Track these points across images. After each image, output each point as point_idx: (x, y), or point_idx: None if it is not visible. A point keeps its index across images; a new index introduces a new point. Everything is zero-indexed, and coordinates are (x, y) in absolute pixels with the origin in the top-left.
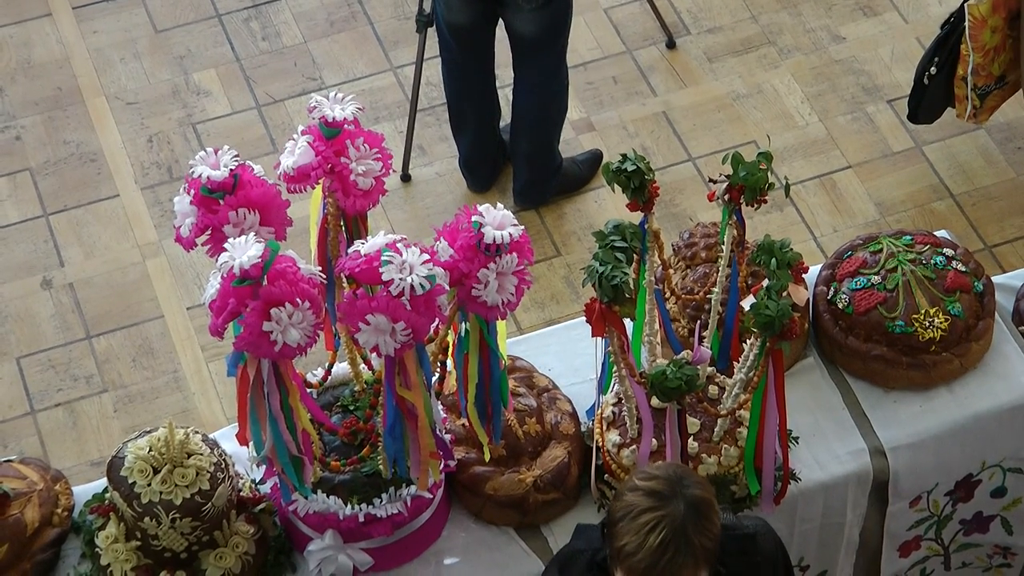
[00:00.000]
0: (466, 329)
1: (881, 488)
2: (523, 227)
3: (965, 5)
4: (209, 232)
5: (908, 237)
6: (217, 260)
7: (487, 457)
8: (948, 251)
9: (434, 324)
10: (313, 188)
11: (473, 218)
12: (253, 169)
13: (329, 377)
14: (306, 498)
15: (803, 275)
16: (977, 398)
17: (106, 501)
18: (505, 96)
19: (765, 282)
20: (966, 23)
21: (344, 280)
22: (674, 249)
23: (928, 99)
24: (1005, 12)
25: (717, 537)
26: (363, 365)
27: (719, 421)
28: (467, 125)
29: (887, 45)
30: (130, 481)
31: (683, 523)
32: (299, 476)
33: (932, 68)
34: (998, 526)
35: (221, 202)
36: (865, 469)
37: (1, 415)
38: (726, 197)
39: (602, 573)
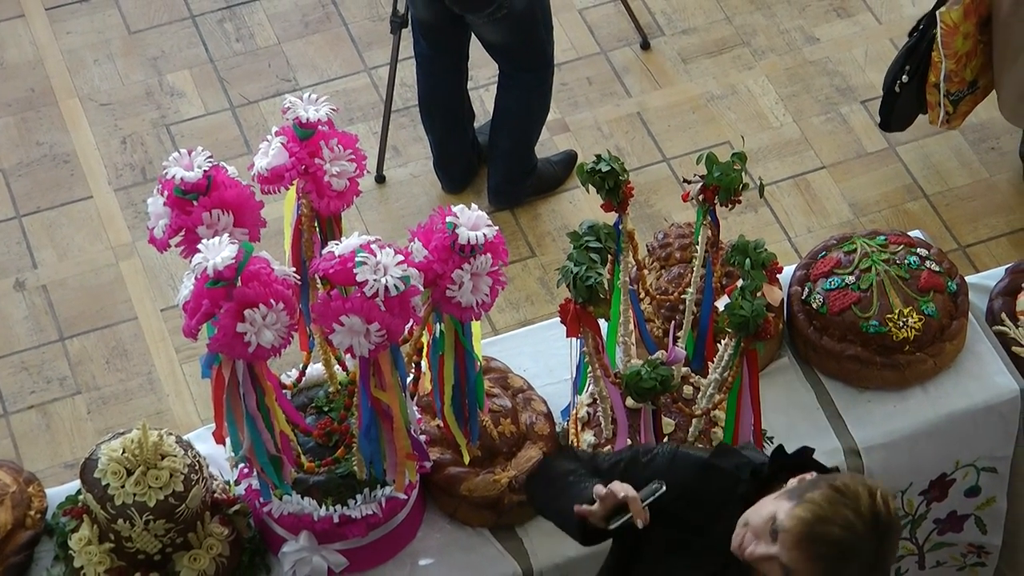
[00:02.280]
0: (441, 330)
1: None
2: (497, 228)
3: (936, 12)
4: (183, 233)
5: (882, 237)
6: (191, 261)
7: (466, 459)
8: (922, 251)
9: (408, 325)
10: (287, 189)
11: (447, 219)
12: (227, 170)
13: (303, 378)
14: (282, 498)
15: (777, 275)
16: (951, 398)
17: (79, 503)
18: (479, 96)
19: (739, 282)
20: (938, 30)
21: (318, 281)
22: (648, 250)
23: (900, 107)
24: (976, 17)
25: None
26: (337, 366)
27: (694, 421)
28: (436, 123)
29: (861, 46)
30: (103, 483)
31: (880, 539)
32: (279, 475)
33: (904, 76)
34: (972, 525)
35: (195, 203)
36: (839, 469)
37: None
38: (700, 197)
39: (744, 502)
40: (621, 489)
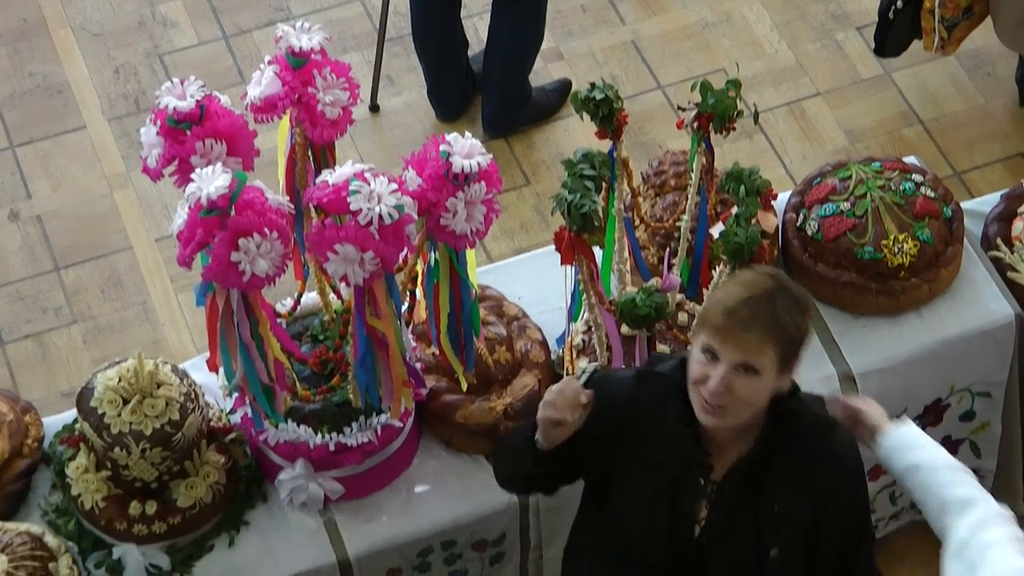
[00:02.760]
0: (435, 259)
1: None
2: (491, 156)
3: None
4: (176, 163)
5: (877, 163)
6: (184, 191)
7: (464, 387)
8: (917, 177)
9: (403, 253)
10: (280, 118)
11: (441, 147)
12: (220, 100)
13: (298, 307)
14: (277, 426)
15: (772, 202)
16: (946, 323)
17: (76, 432)
18: (473, 25)
19: (734, 209)
20: None
21: (312, 210)
22: (643, 177)
23: (894, 33)
24: None
25: (802, 331)
26: (332, 295)
27: (689, 348)
28: (430, 52)
29: None
30: (100, 412)
31: (776, 290)
32: (271, 404)
33: (898, 2)
34: (967, 450)
35: (188, 133)
36: (834, 395)
37: None
38: (695, 125)
39: (680, 397)
40: (550, 392)
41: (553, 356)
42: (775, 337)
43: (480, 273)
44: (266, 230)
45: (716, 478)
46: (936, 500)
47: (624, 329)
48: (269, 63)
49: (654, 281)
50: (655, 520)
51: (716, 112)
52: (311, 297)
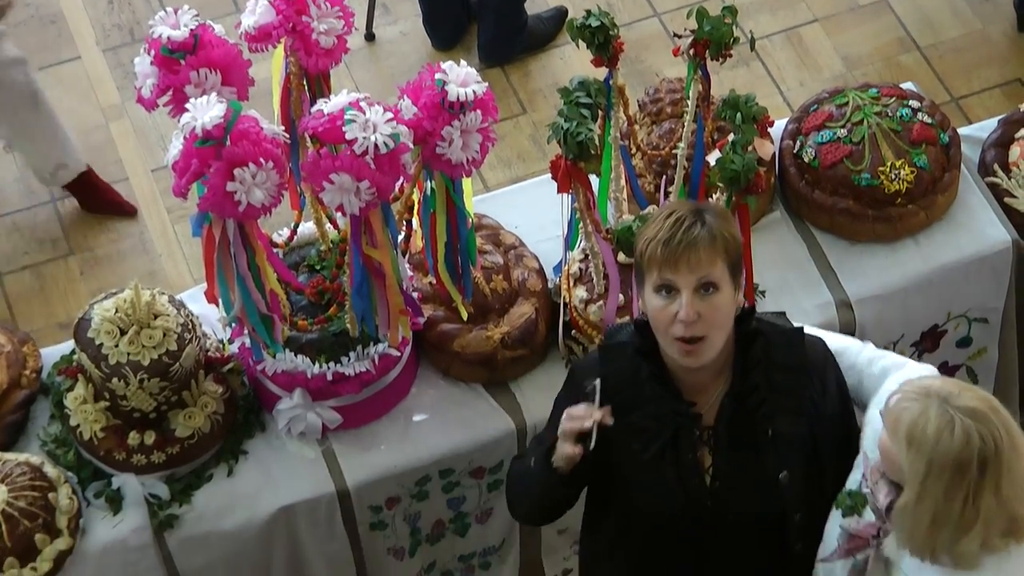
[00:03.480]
0: (431, 188)
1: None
2: (487, 84)
3: None
4: (171, 93)
5: (874, 90)
6: (179, 121)
7: (464, 315)
8: (914, 103)
9: (399, 183)
10: (275, 47)
11: (437, 76)
12: (214, 29)
13: (294, 237)
14: (275, 356)
15: (769, 129)
16: (942, 250)
17: (74, 363)
18: None
19: (731, 137)
20: None
21: (308, 140)
22: (639, 105)
23: None
24: None
25: (737, 240)
26: (328, 225)
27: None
28: None
29: None
30: (97, 343)
31: (699, 209)
32: (270, 334)
33: None
34: (964, 376)
35: (182, 62)
36: (831, 322)
37: None
38: (691, 52)
39: (646, 359)
40: (568, 416)
41: (550, 285)
42: (720, 247)
43: (476, 202)
44: (261, 160)
45: (708, 423)
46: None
47: (621, 257)
48: None
49: (651, 209)
50: (664, 484)
51: (712, 39)
52: (307, 227)
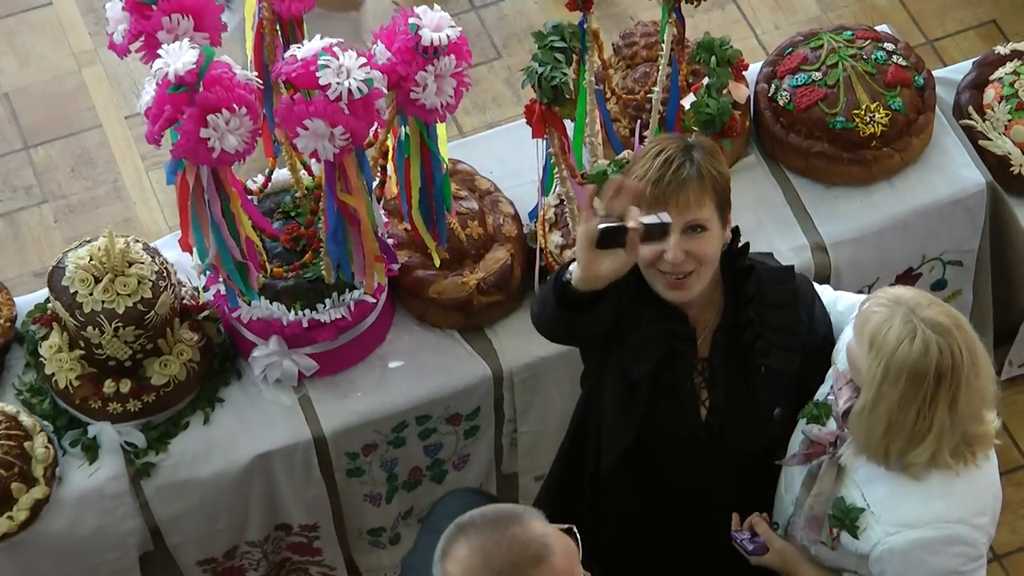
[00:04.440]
0: (406, 133)
1: (823, 283)
2: (461, 29)
3: None
4: (143, 39)
5: (849, 32)
6: (152, 67)
7: (437, 262)
8: (889, 45)
9: (373, 128)
10: None
11: (410, 20)
12: None
13: (269, 184)
14: (251, 304)
15: (743, 72)
16: (917, 192)
17: (48, 311)
18: None
19: (705, 80)
20: None
21: (281, 85)
22: (614, 49)
23: None
24: None
25: (725, 176)
26: (303, 171)
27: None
28: None
29: None
30: (72, 291)
31: (688, 146)
32: (245, 281)
33: None
34: None
35: (154, 7)
36: (807, 265)
37: None
38: None
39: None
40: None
41: (525, 230)
42: (709, 185)
43: (452, 147)
44: (235, 106)
45: (703, 355)
46: None
47: (596, 202)
48: None
49: (626, 153)
50: (667, 410)
51: None
52: (282, 174)
